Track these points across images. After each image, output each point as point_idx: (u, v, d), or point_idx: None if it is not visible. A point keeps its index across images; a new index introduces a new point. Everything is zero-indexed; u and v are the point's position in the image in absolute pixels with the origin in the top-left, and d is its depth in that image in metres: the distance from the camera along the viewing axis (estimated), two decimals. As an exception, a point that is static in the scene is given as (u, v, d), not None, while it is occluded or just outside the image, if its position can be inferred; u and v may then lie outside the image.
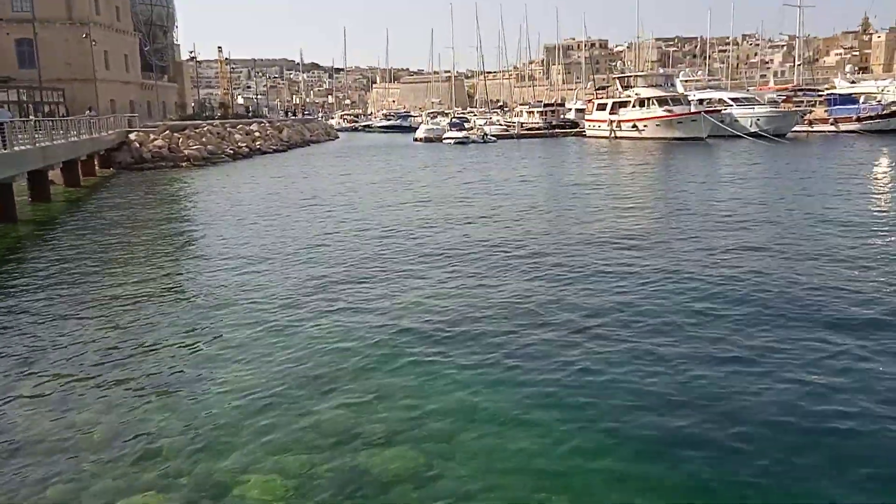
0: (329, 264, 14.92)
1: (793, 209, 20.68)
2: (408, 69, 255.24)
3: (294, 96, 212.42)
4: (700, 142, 54.08)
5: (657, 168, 37.29)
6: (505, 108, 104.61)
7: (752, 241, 15.99)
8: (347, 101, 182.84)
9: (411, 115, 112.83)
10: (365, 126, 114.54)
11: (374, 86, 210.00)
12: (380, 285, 13.03)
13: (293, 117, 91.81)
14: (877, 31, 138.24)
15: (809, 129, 58.48)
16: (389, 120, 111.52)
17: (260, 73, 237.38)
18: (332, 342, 9.96)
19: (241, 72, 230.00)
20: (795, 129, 57.14)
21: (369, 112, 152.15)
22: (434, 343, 9.83)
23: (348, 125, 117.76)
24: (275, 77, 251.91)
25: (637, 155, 45.81)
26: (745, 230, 17.39)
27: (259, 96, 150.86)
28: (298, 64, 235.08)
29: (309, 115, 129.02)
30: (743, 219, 19.11)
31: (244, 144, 54.77)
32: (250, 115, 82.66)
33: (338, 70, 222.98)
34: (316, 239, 17.99)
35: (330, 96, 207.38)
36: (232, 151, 51.40)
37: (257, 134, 60.01)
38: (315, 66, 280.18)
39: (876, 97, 60.25)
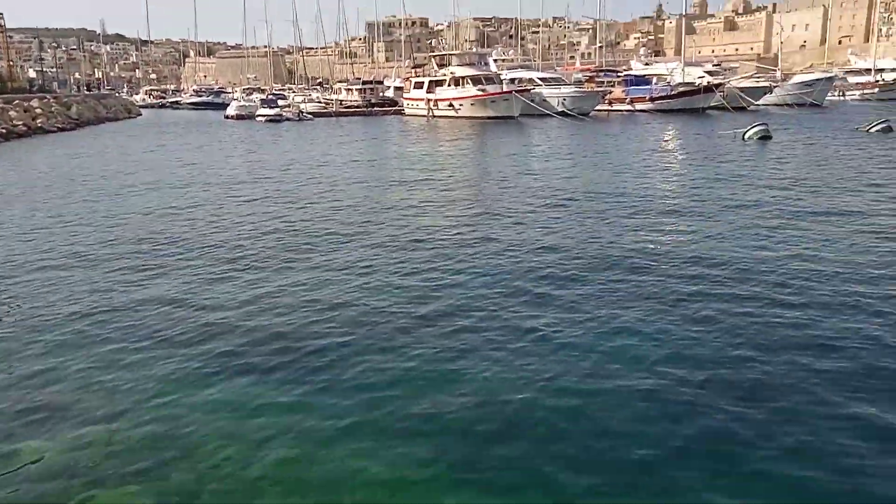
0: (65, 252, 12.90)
1: (591, 179, 21.51)
2: (224, 43, 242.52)
3: (96, 70, 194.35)
4: (512, 120, 55.53)
5: (472, 147, 37.43)
6: (325, 86, 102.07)
7: (560, 211, 16.18)
8: (153, 76, 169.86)
9: (225, 92, 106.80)
10: (173, 103, 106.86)
11: (186, 60, 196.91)
12: (138, 276, 11.34)
13: (87, 93, 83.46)
14: (668, 17, 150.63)
15: (610, 108, 62.10)
16: (200, 96, 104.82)
17: (55, 45, 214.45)
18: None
19: (31, 41, 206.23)
20: (598, 108, 60.43)
21: (182, 88, 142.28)
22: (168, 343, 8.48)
23: (155, 101, 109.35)
24: (72, 49, 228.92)
25: (453, 133, 46.01)
26: (554, 201, 17.85)
27: (53, 70, 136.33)
28: (100, 34, 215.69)
29: (112, 89, 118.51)
30: (551, 194, 19.39)
31: (21, 122, 48.58)
32: (35, 89, 73.93)
33: (145, 42, 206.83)
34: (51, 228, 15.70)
35: (137, 70, 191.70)
36: (5, 130, 45.36)
37: (39, 111, 53.52)
38: (119, 37, 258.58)
39: (666, 78, 65.18)
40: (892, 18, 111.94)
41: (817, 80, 64.53)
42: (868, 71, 77.26)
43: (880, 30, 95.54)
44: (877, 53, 79.71)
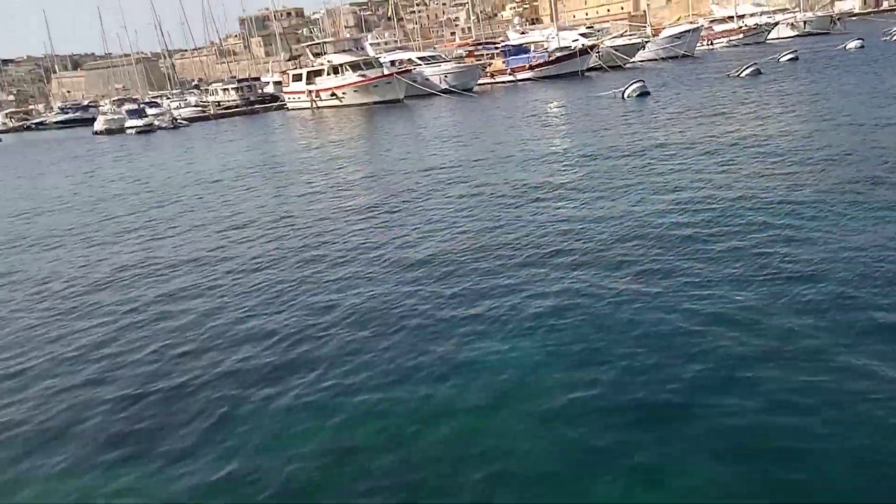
0: None
1: (487, 154, 21.41)
2: (93, 54, 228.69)
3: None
4: (398, 103, 54.60)
5: (361, 137, 36.01)
6: (202, 88, 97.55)
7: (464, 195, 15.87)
8: (10, 98, 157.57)
9: (95, 105, 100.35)
10: (38, 123, 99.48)
11: (53, 76, 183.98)
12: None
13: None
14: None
15: (492, 80, 61.95)
16: (67, 113, 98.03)
17: None
18: None
19: None
20: (481, 81, 60.13)
21: (50, 107, 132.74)
22: None
23: (17, 125, 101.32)
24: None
25: (340, 124, 44.61)
26: (450, 180, 17.59)
27: None
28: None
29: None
30: (451, 172, 18.97)
31: None
32: None
33: (6, 62, 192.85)
34: None
35: (1, 92, 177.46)
36: None
37: None
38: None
39: (543, 45, 65.56)
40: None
41: (685, 31, 66.49)
42: (731, 18, 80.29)
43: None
44: (736, 0, 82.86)
